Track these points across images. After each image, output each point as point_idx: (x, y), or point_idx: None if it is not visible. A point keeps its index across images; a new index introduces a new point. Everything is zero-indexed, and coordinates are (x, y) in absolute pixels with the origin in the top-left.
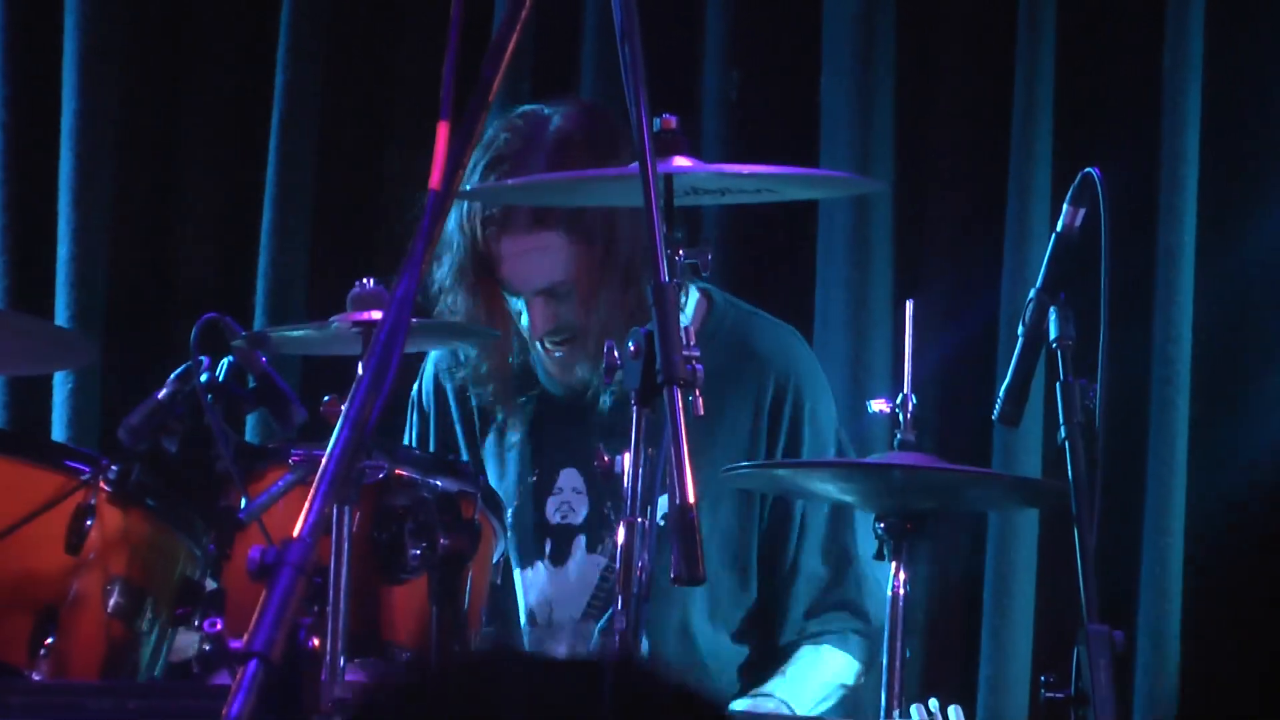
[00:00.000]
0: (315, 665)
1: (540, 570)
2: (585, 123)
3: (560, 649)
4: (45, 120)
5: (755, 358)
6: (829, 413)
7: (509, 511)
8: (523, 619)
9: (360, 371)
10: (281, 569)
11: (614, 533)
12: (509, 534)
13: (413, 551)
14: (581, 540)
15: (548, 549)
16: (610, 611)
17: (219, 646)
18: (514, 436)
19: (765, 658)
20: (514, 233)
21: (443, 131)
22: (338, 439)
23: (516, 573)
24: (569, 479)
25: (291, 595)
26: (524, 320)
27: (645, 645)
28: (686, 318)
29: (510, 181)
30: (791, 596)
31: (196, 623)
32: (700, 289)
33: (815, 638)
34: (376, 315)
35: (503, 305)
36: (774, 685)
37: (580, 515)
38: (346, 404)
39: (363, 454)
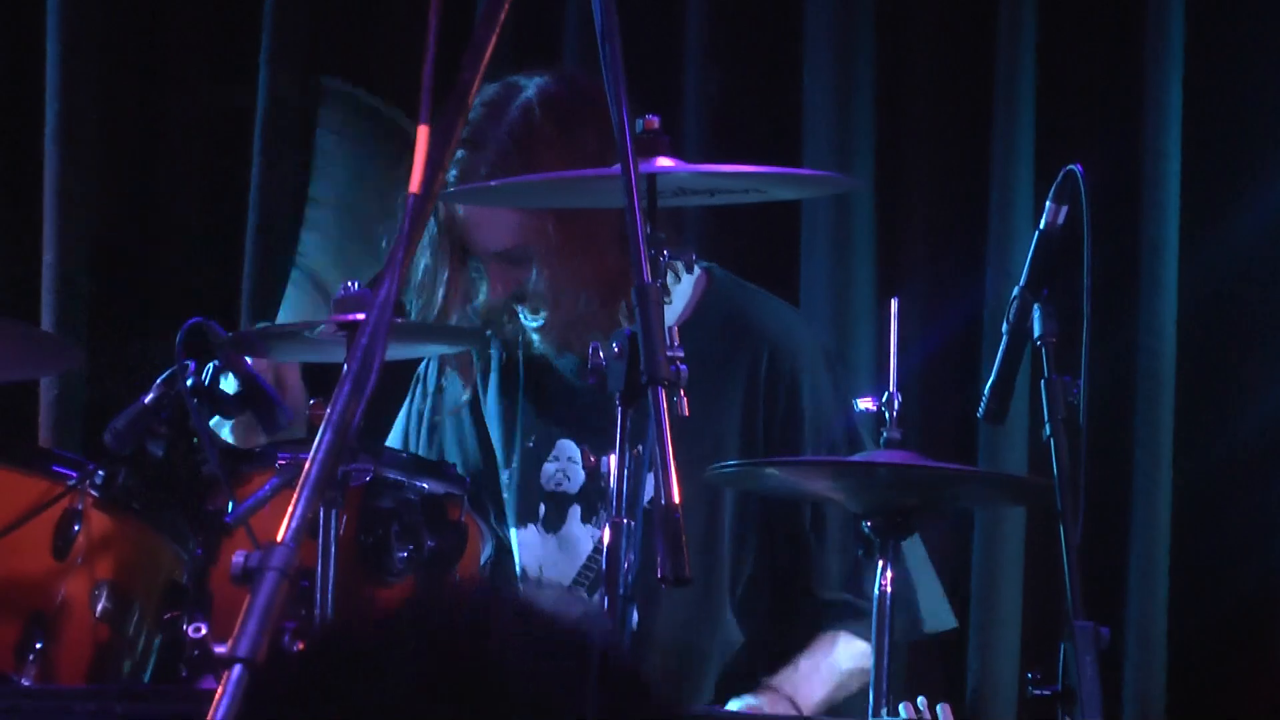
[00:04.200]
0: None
1: (532, 533)
2: (556, 91)
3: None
4: (27, 124)
5: (751, 332)
6: (828, 390)
7: (506, 472)
8: (517, 573)
9: (343, 375)
10: (265, 573)
11: (606, 512)
12: (507, 493)
13: (399, 554)
14: (576, 510)
15: (541, 513)
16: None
17: (204, 651)
18: (510, 399)
19: (776, 637)
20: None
21: (422, 134)
22: (320, 442)
23: (512, 531)
24: (565, 449)
25: (275, 599)
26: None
27: (635, 619)
28: (680, 299)
29: (494, 183)
30: (806, 582)
31: (183, 627)
32: (702, 267)
33: (833, 620)
34: (361, 317)
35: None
36: (781, 679)
37: (576, 485)
38: (329, 407)
39: (346, 457)
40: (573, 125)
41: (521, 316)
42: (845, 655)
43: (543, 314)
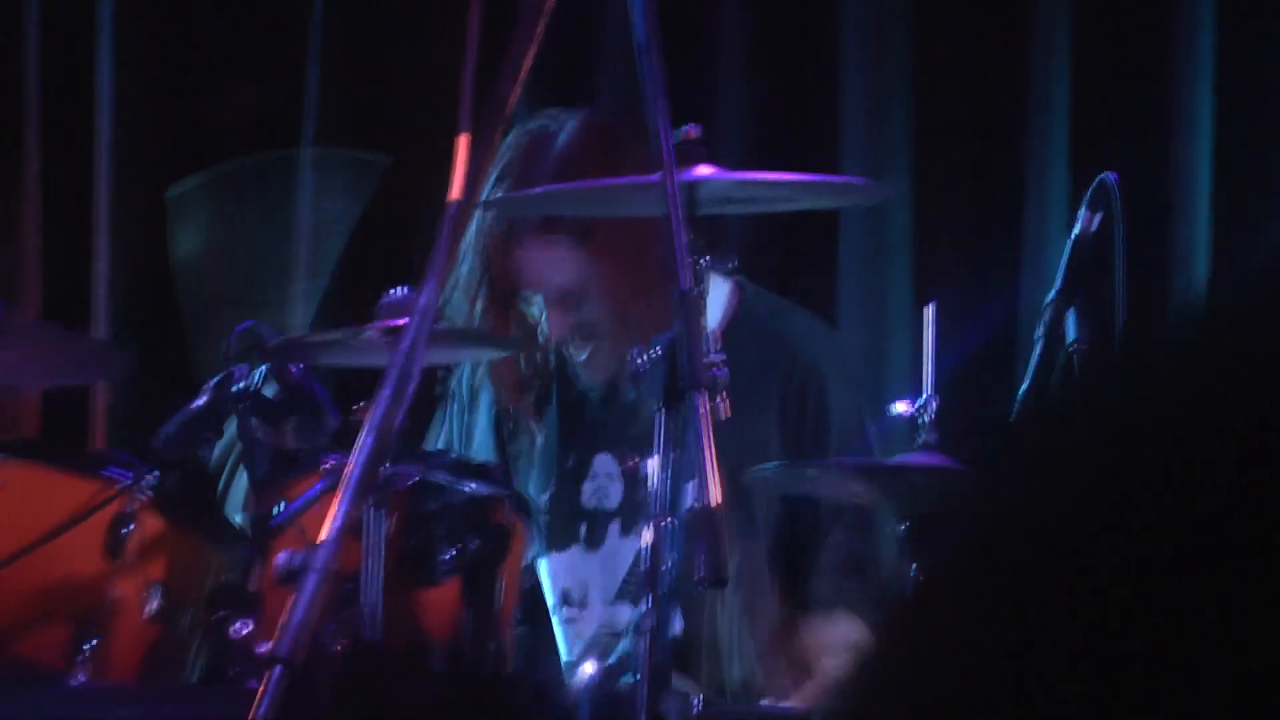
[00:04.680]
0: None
1: (575, 553)
2: (589, 140)
3: (589, 630)
4: (81, 134)
5: (782, 343)
6: (851, 405)
7: (545, 496)
8: (551, 603)
9: (383, 379)
10: (307, 574)
11: (647, 520)
12: (543, 518)
13: (444, 555)
14: (616, 524)
15: (582, 532)
16: (640, 609)
17: (247, 651)
18: (546, 425)
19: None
20: (524, 241)
21: (463, 144)
22: (361, 446)
23: (543, 561)
24: (603, 464)
25: (316, 600)
26: (544, 324)
27: (679, 625)
28: (718, 306)
29: (535, 190)
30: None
31: (232, 627)
32: (733, 280)
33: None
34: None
35: (516, 311)
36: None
37: (614, 500)
38: (370, 411)
39: (386, 459)
40: (618, 153)
41: (566, 351)
42: (849, 628)
43: (588, 347)
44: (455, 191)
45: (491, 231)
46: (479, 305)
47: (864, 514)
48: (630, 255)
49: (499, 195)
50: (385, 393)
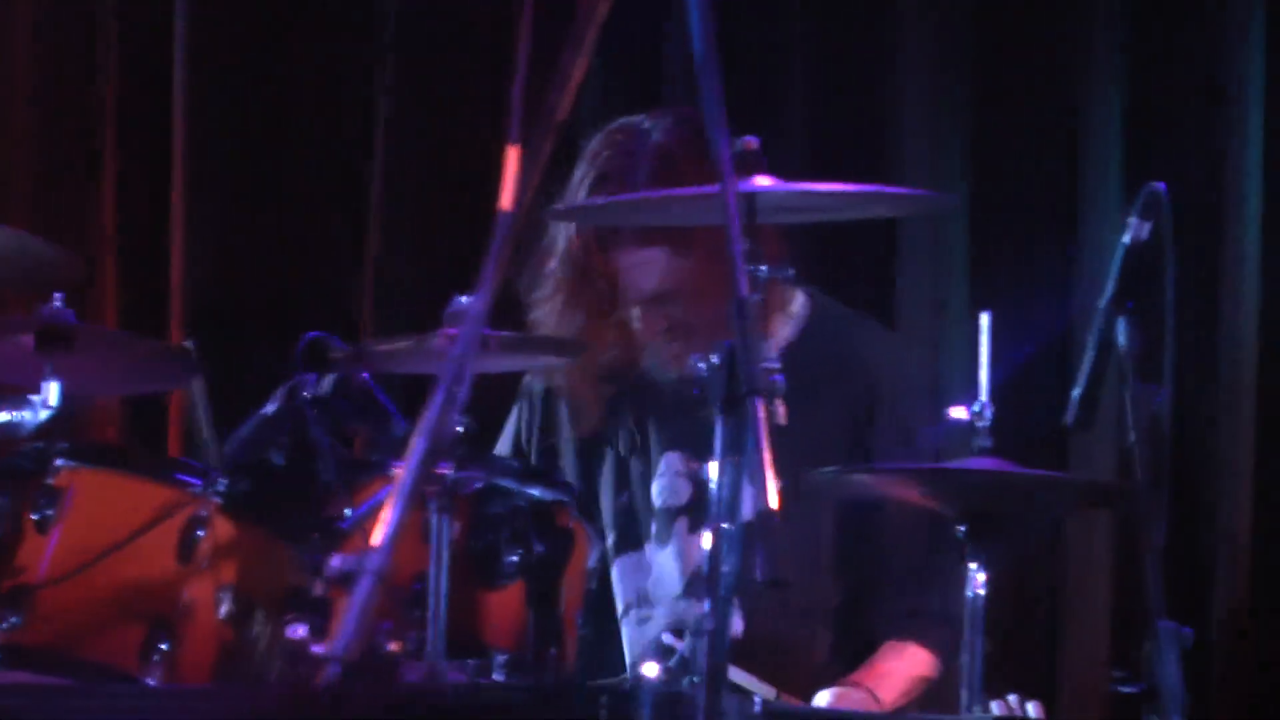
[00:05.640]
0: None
1: (645, 552)
2: (684, 133)
3: (658, 625)
4: (157, 142)
5: (855, 358)
6: (918, 412)
7: (622, 498)
8: (619, 607)
9: (436, 386)
10: (362, 576)
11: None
12: (616, 520)
13: (509, 558)
14: (684, 521)
15: (653, 530)
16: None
17: (302, 652)
18: (621, 429)
19: (853, 646)
20: (622, 248)
21: (513, 154)
22: (414, 450)
23: (615, 564)
24: (672, 462)
25: (370, 602)
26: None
27: (740, 625)
28: (790, 319)
29: (600, 200)
30: (883, 594)
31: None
32: (805, 291)
33: (903, 632)
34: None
35: (603, 314)
36: (860, 676)
37: (684, 497)
38: (423, 417)
39: (439, 464)
40: (703, 155)
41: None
42: (914, 663)
43: (674, 346)
44: (505, 201)
45: (584, 238)
46: (575, 312)
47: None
48: (722, 257)
49: (599, 199)
50: (438, 398)
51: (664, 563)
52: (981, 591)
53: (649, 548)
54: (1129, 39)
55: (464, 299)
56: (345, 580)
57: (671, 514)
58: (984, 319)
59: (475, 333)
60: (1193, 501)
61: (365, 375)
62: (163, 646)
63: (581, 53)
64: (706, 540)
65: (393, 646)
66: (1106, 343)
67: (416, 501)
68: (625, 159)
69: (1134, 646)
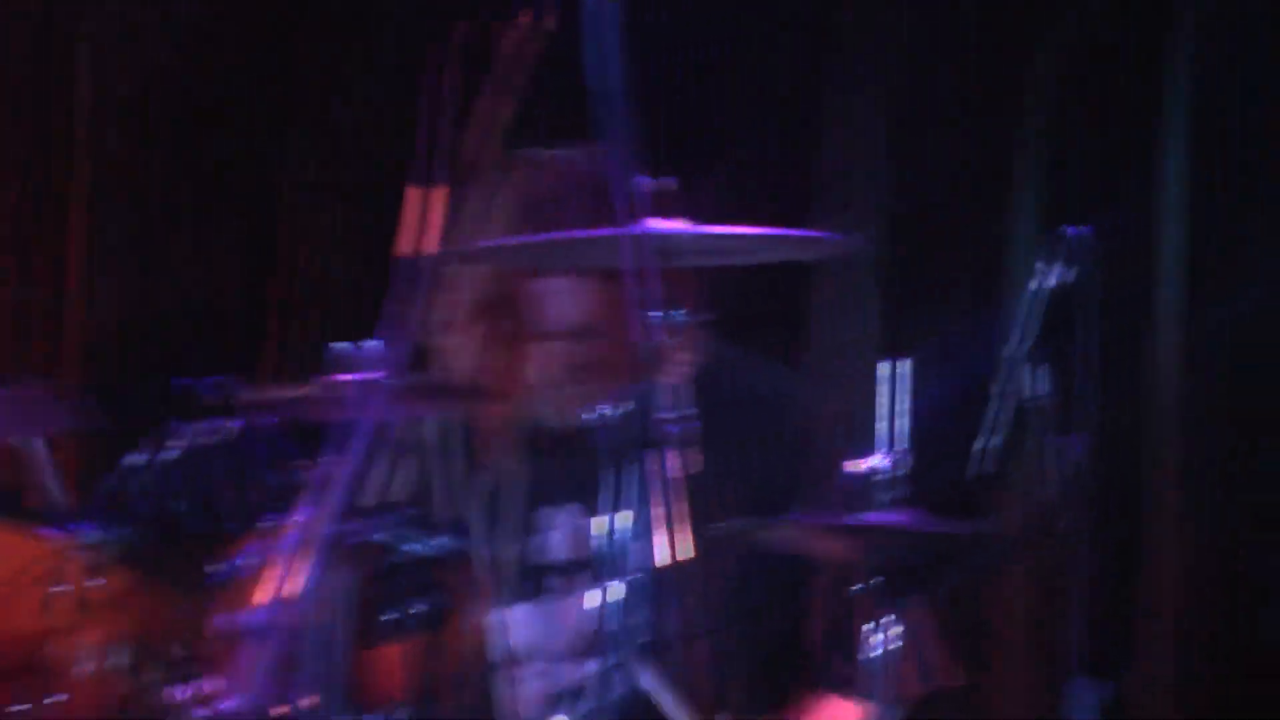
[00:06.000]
0: None
1: (527, 609)
2: (573, 161)
3: (538, 685)
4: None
5: (751, 398)
6: (821, 457)
7: (513, 548)
8: (510, 658)
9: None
10: (256, 631)
11: (604, 575)
12: (507, 571)
13: (398, 613)
14: (581, 577)
15: (535, 587)
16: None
17: (200, 705)
18: (515, 476)
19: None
20: (542, 275)
21: (413, 197)
22: (308, 503)
23: (505, 616)
24: (560, 516)
25: (267, 656)
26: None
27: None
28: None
29: (503, 241)
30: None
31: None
32: (699, 331)
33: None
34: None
35: (509, 350)
36: None
37: (577, 551)
38: (316, 468)
39: (337, 516)
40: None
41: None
42: (839, 714)
43: (567, 391)
44: (406, 246)
45: (500, 268)
46: (483, 347)
47: (840, 573)
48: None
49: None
50: (333, 449)
51: (548, 621)
52: (890, 648)
53: (540, 603)
54: (1056, 78)
55: (357, 345)
56: (237, 635)
57: (567, 568)
58: (901, 366)
59: (377, 381)
60: (1118, 551)
61: (271, 420)
62: (48, 699)
63: (505, 96)
64: (606, 593)
65: (280, 709)
66: (1010, 392)
67: (312, 551)
68: (555, 185)
69: (1053, 703)
